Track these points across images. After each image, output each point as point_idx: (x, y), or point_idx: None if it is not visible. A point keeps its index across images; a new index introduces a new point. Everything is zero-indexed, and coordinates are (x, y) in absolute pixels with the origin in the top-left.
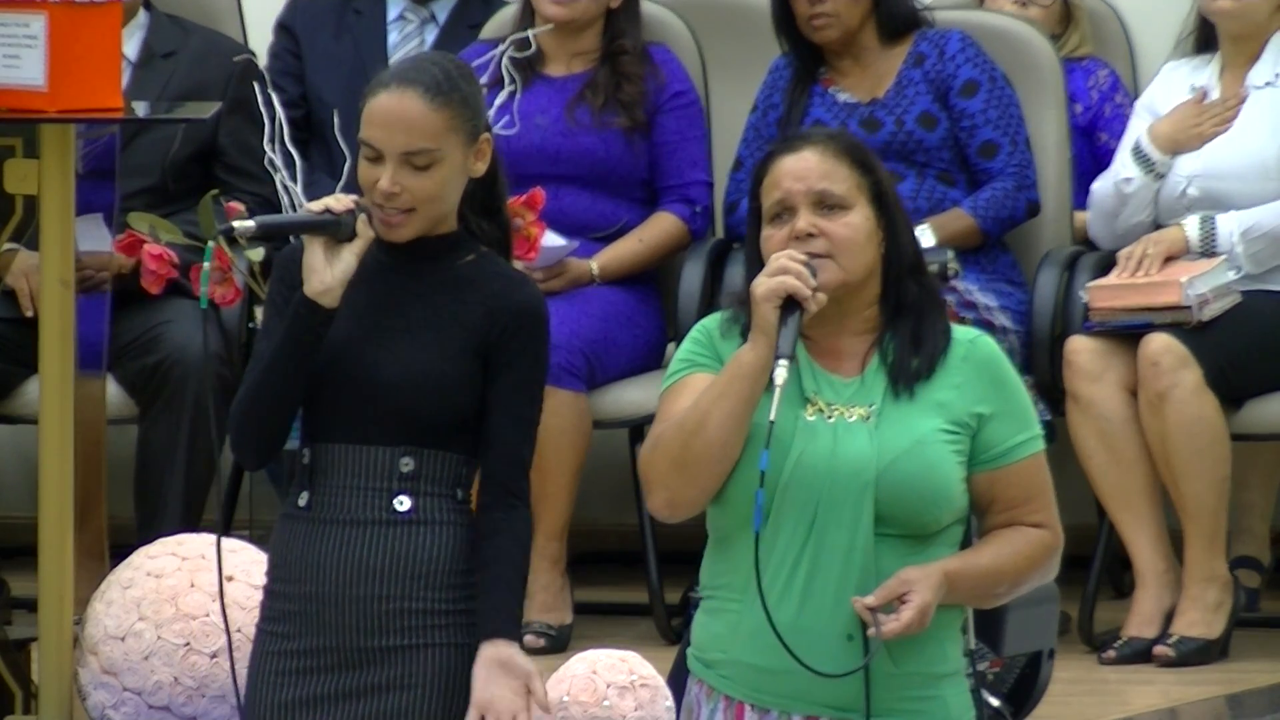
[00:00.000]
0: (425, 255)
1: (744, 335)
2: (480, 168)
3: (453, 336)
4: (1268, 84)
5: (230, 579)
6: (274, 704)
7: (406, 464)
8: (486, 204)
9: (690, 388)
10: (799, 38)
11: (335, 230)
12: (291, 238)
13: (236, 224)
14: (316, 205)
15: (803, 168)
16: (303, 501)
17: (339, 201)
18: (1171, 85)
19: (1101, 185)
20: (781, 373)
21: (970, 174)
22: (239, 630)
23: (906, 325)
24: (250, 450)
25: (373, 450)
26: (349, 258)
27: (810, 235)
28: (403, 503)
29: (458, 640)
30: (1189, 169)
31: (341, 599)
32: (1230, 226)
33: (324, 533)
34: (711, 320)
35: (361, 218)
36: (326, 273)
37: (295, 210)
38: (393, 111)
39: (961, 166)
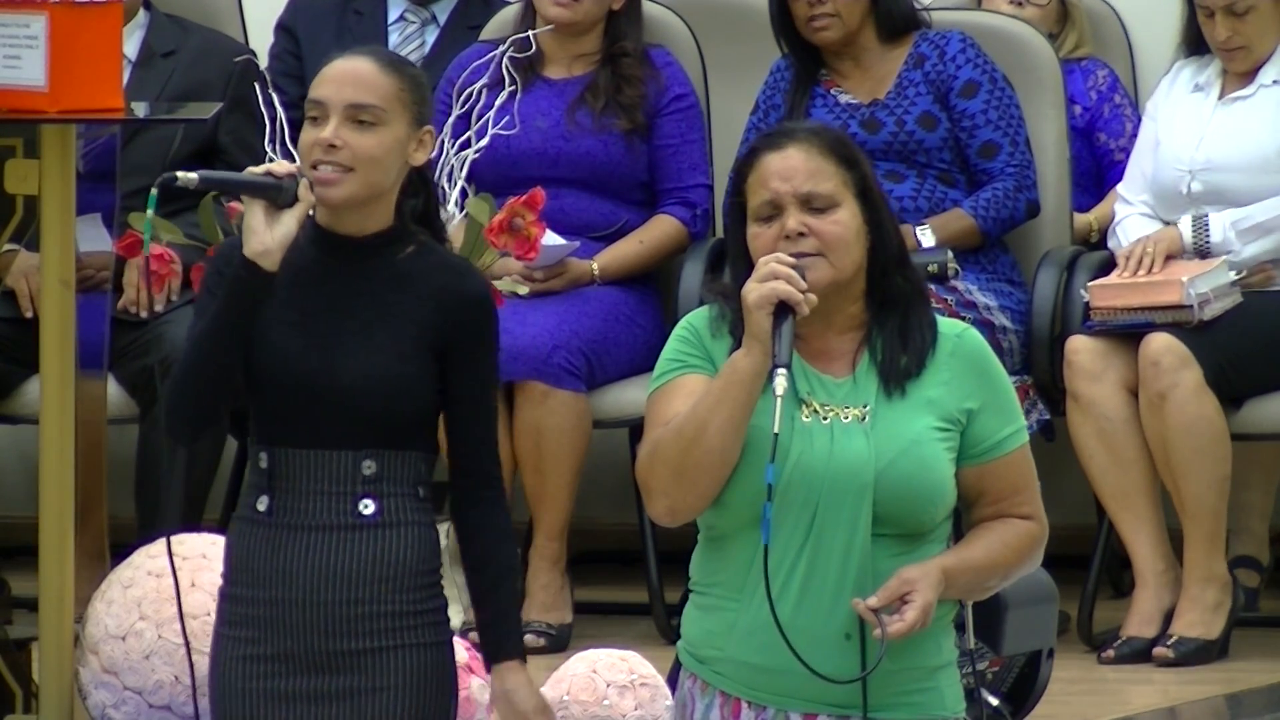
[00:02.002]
0: (367, 252)
1: (732, 333)
2: (420, 157)
3: (406, 334)
4: (1275, 82)
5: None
6: (246, 706)
7: (369, 466)
8: (424, 212)
9: (684, 389)
10: (798, 40)
11: (276, 194)
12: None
13: (180, 175)
14: (259, 169)
15: (789, 167)
16: (262, 506)
17: (281, 166)
18: (1176, 86)
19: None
20: (781, 382)
21: (970, 175)
22: None
23: (893, 321)
24: (185, 422)
25: (334, 454)
26: (289, 221)
27: (801, 235)
28: (367, 506)
29: (428, 640)
30: (1192, 163)
31: (309, 604)
32: (1222, 223)
33: (288, 538)
34: (698, 318)
35: (303, 182)
36: (266, 234)
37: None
38: (344, 69)
39: (962, 167)
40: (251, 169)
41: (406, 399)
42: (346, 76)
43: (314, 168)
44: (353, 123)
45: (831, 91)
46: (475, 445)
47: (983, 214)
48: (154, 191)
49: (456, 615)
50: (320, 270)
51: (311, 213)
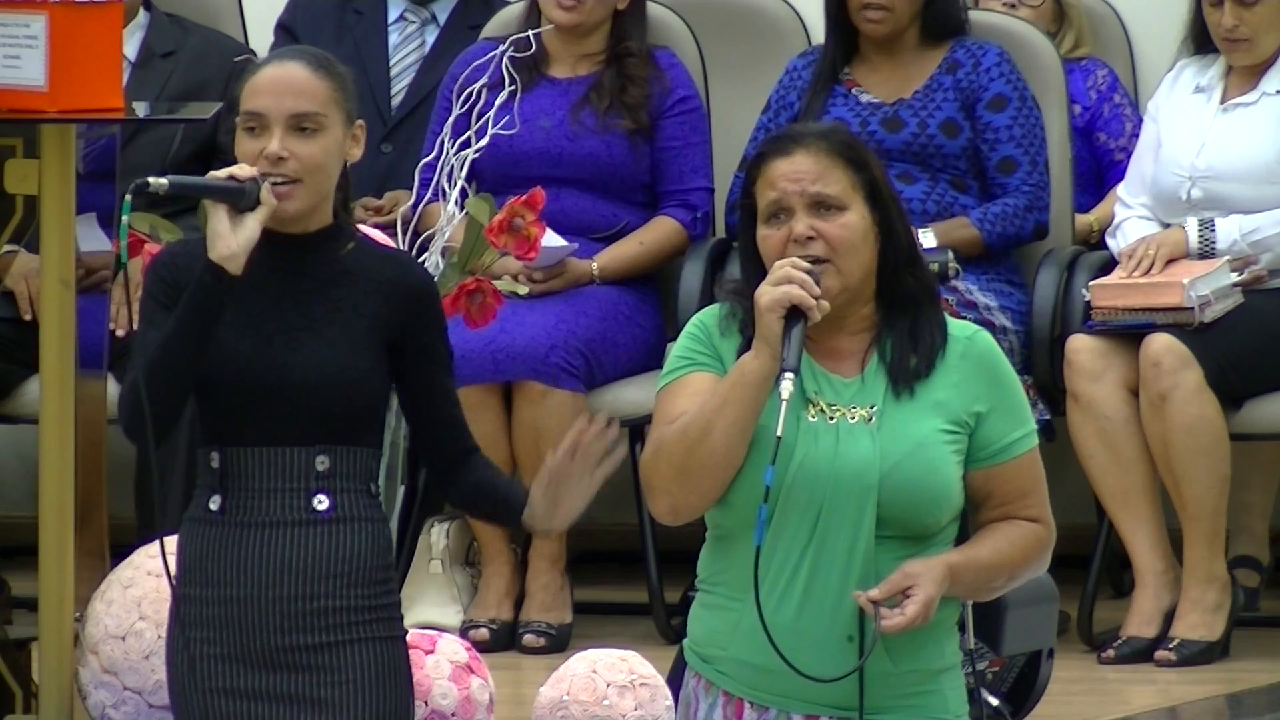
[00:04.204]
0: (310, 250)
1: (742, 331)
2: (356, 153)
3: (356, 328)
4: (1278, 91)
5: None
6: (205, 706)
7: (322, 462)
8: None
9: (690, 387)
10: (843, 27)
11: (240, 198)
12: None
13: (151, 180)
14: (221, 173)
15: (796, 170)
16: (214, 505)
17: (243, 170)
18: (1177, 87)
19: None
20: (787, 386)
21: (984, 183)
22: None
23: (904, 322)
24: (145, 430)
25: (288, 451)
26: (253, 225)
27: (809, 239)
28: (321, 501)
29: (381, 634)
30: (1193, 170)
31: (264, 600)
32: (1230, 229)
33: (241, 535)
34: (709, 315)
35: (265, 186)
36: (231, 239)
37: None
38: (280, 79)
39: (976, 175)
40: (214, 173)
41: (360, 392)
42: (283, 86)
43: (263, 179)
44: (295, 131)
45: (853, 91)
46: (450, 425)
47: (988, 228)
48: (128, 198)
49: (456, 615)
50: (266, 270)
51: None
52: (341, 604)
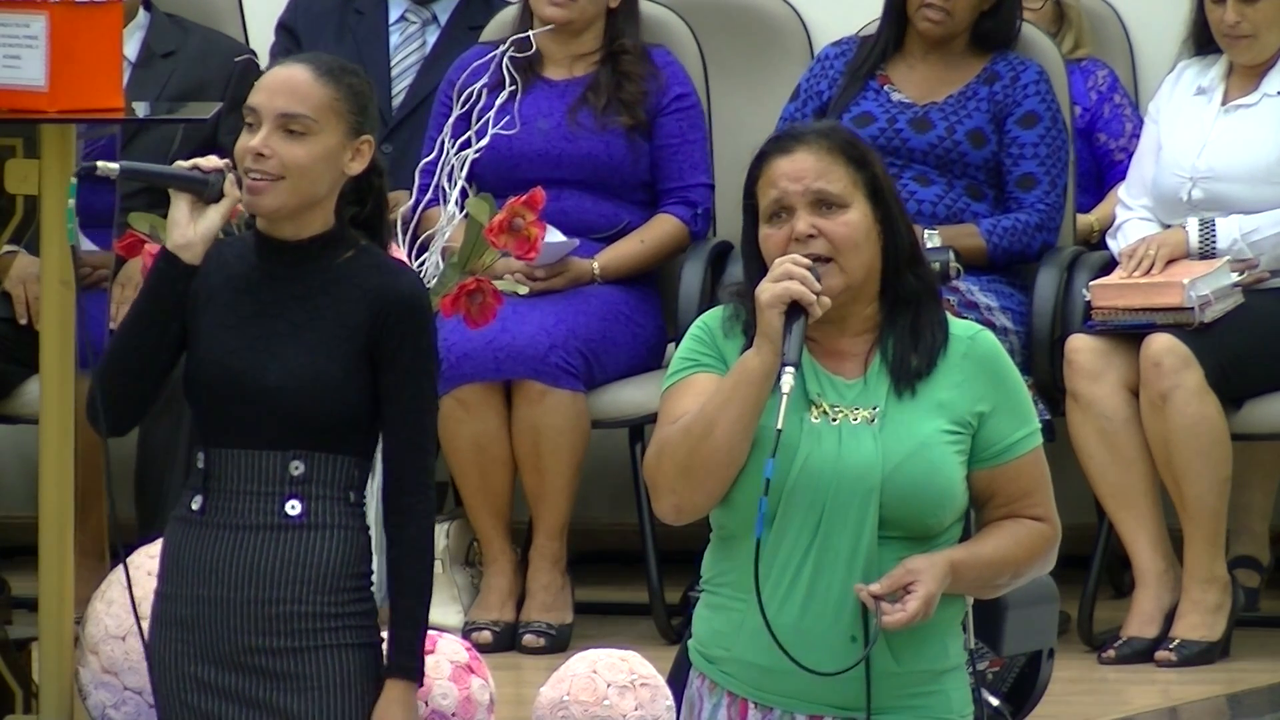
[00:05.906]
0: (303, 256)
1: (745, 333)
2: (356, 166)
3: (336, 336)
4: (1279, 92)
5: None
6: (179, 703)
7: (297, 468)
8: (369, 219)
9: (694, 388)
10: (897, 22)
11: (202, 189)
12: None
13: (100, 164)
14: (186, 164)
15: (798, 168)
16: (196, 505)
17: (208, 161)
18: (1178, 88)
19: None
20: (788, 380)
21: (1000, 194)
22: None
23: (905, 320)
24: (105, 411)
25: (263, 455)
26: (214, 216)
27: (810, 237)
28: (294, 507)
29: (351, 641)
30: (1193, 171)
31: (233, 602)
32: (1230, 229)
33: (217, 537)
34: (712, 317)
35: (230, 178)
36: (190, 228)
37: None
38: (280, 78)
39: (993, 185)
40: (179, 163)
41: (332, 399)
42: (280, 85)
43: (247, 174)
44: (283, 131)
45: (884, 88)
46: (399, 448)
47: (995, 240)
48: (73, 180)
49: (457, 615)
50: (257, 275)
51: (251, 220)
52: (308, 609)
